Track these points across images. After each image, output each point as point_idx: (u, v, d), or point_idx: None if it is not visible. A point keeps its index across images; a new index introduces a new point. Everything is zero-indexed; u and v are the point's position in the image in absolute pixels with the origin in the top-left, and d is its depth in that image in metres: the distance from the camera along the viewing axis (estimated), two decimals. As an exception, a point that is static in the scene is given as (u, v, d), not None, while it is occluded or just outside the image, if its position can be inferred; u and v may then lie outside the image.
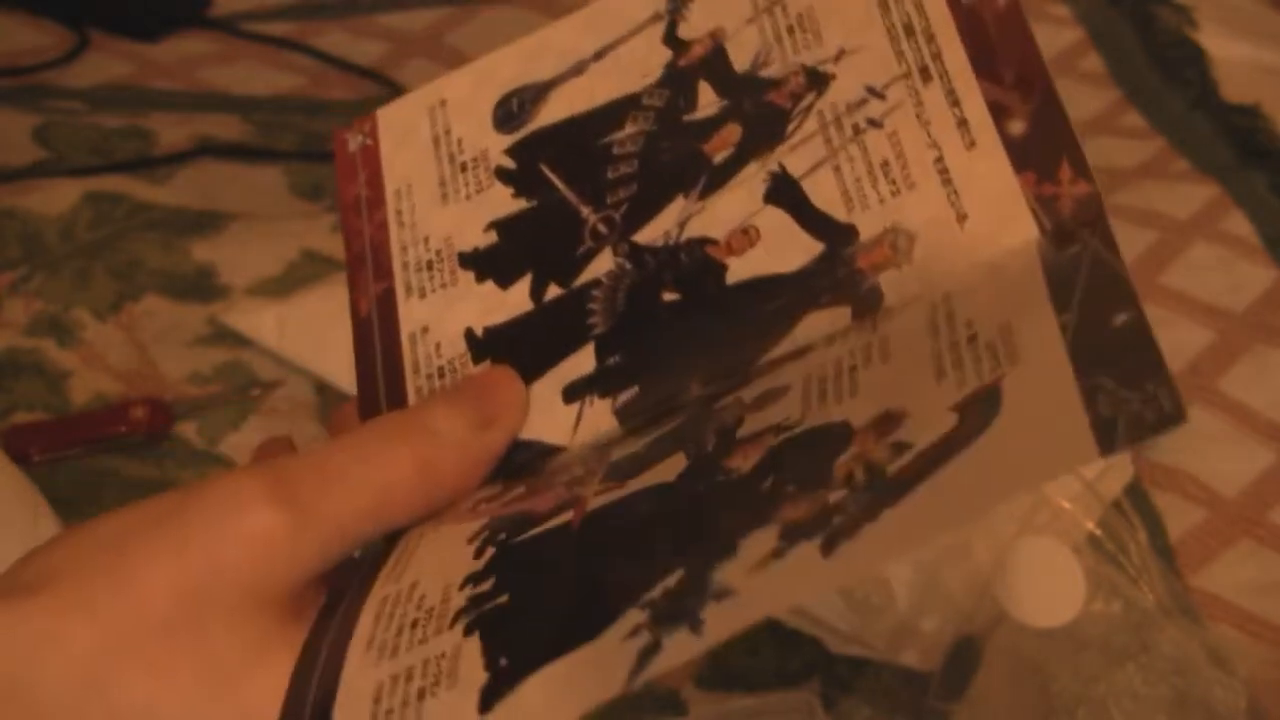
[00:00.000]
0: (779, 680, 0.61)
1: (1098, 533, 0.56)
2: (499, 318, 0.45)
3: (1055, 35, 1.03)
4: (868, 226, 0.42)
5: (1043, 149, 0.40)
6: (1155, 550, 0.64)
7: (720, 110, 0.45)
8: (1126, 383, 0.33)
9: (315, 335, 0.74)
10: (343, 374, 0.72)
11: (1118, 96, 0.99)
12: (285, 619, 0.35)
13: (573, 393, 0.43)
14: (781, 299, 0.42)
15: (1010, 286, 0.38)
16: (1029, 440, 0.33)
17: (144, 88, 0.99)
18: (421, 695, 0.34)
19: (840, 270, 0.42)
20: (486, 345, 0.45)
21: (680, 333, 0.43)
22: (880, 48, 0.43)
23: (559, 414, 0.43)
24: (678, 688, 0.61)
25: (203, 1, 1.07)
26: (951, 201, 0.41)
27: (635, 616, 0.33)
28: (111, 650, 0.34)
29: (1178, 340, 0.78)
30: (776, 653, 0.62)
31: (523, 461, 0.42)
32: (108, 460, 0.70)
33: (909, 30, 0.43)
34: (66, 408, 0.73)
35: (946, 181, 0.41)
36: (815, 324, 0.41)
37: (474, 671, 0.34)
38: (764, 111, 0.44)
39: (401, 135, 0.48)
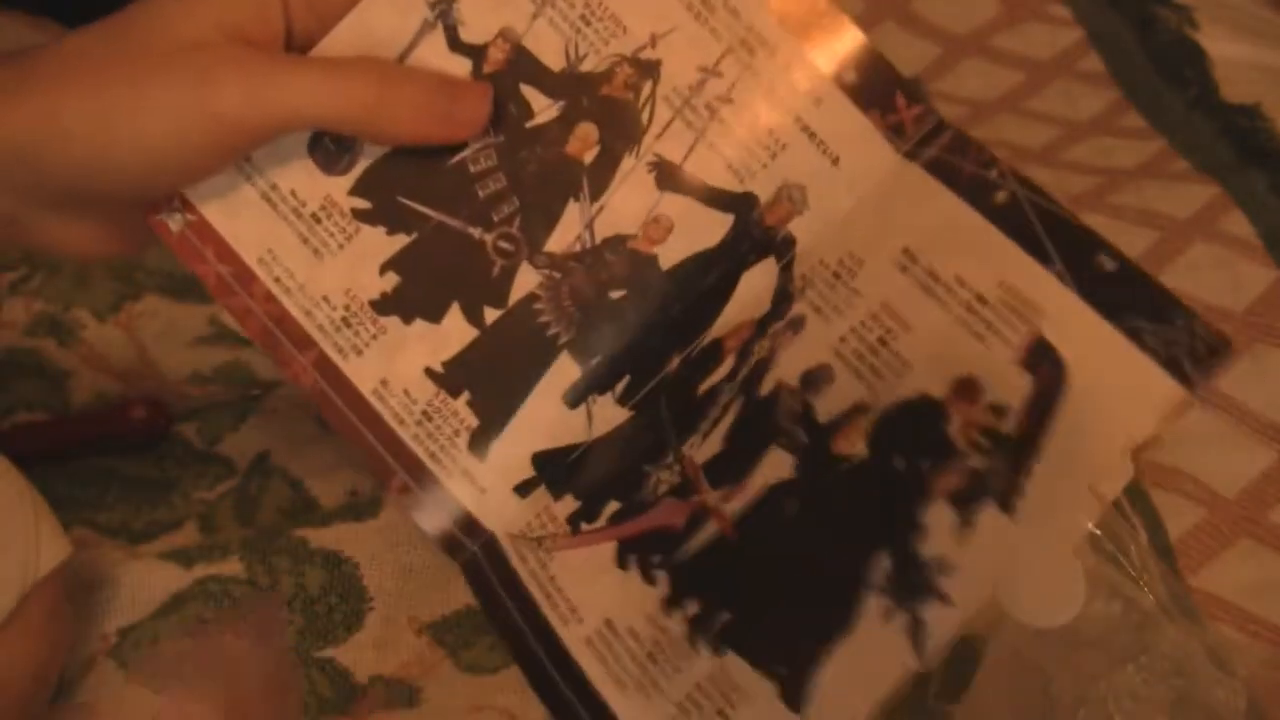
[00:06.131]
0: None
1: (1098, 533, 0.56)
2: (450, 350, 0.46)
3: (1055, 35, 1.02)
4: (763, 189, 0.46)
5: (877, 89, 0.46)
6: (1155, 550, 0.64)
7: (562, 112, 0.46)
8: (1156, 319, 0.40)
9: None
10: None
11: (1118, 96, 0.99)
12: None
13: (575, 398, 0.46)
14: (717, 268, 0.46)
15: (972, 239, 0.42)
16: (1114, 394, 0.38)
17: (144, 88, 0.99)
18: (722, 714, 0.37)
19: (755, 231, 0.46)
20: (455, 377, 0.46)
21: (640, 320, 0.46)
22: (690, 28, 0.46)
23: (570, 419, 0.46)
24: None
25: (203, 1, 1.07)
26: (822, 150, 0.46)
27: (876, 601, 0.37)
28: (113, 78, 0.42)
29: (1178, 340, 0.77)
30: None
31: (573, 473, 0.45)
32: (108, 460, 0.70)
33: (709, 7, 0.46)
34: (66, 408, 0.73)
35: (811, 136, 0.46)
36: (753, 279, 0.46)
37: (758, 684, 0.37)
38: (608, 107, 0.46)
39: (224, 202, 0.47)
